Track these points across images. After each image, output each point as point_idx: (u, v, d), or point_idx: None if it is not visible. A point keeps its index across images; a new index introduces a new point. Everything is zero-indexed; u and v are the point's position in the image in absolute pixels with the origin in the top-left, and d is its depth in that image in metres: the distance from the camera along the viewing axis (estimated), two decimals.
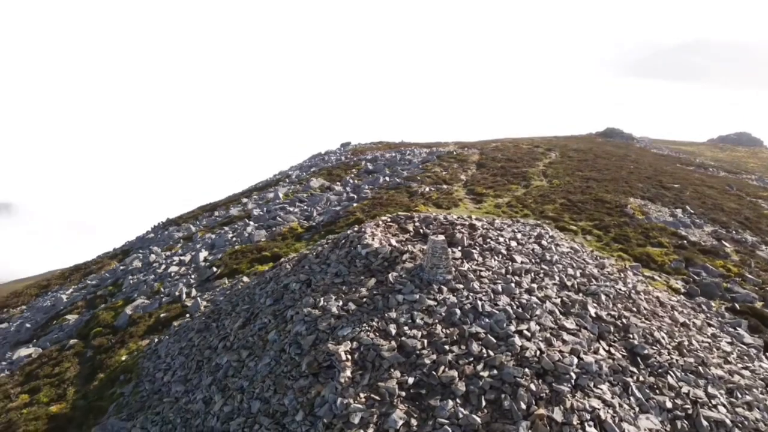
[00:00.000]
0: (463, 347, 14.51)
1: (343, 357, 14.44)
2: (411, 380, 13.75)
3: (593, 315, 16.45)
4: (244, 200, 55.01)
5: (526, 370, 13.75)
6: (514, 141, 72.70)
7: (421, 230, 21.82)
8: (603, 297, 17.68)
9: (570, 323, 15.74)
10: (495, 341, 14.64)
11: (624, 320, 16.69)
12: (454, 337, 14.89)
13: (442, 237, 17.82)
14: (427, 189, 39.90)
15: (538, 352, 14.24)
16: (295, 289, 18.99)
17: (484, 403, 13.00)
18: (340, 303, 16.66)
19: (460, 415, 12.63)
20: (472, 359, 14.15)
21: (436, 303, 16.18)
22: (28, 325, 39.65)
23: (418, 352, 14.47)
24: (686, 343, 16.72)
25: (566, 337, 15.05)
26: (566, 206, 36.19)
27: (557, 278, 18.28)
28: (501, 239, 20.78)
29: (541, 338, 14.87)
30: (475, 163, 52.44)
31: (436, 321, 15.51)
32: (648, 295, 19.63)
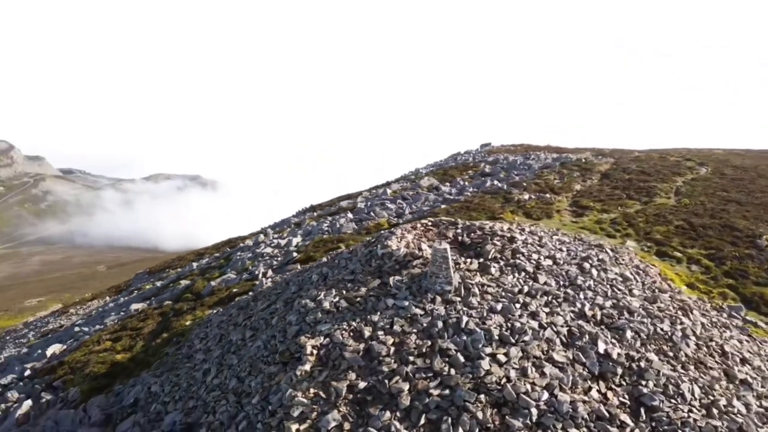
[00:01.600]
0: (427, 361, 14.06)
1: (308, 351, 14.90)
2: (362, 384, 13.74)
3: (601, 351, 14.71)
4: (365, 193, 57.34)
5: (482, 396, 12.93)
6: (663, 152, 65.13)
7: (460, 238, 21.16)
8: (629, 334, 15.66)
9: (562, 356, 14.30)
10: (463, 361, 13.93)
11: (643, 363, 14.69)
12: (423, 350, 14.47)
13: (445, 245, 17.21)
14: (528, 197, 37.93)
15: (504, 380, 13.27)
16: (314, 280, 19.80)
17: (422, 422, 12.56)
18: (336, 299, 17.07)
19: (393, 429, 12.38)
20: (430, 375, 13.67)
21: (422, 312, 15.79)
22: (158, 284, 46.04)
23: (381, 358, 14.37)
24: (724, 403, 14.18)
25: (548, 369, 13.74)
26: (682, 229, 31.97)
27: (578, 306, 16.57)
28: (535, 256, 19.30)
29: (516, 366, 13.78)
30: (600, 173, 48.31)
31: (414, 330, 15.17)
32: (710, 341, 16.88)
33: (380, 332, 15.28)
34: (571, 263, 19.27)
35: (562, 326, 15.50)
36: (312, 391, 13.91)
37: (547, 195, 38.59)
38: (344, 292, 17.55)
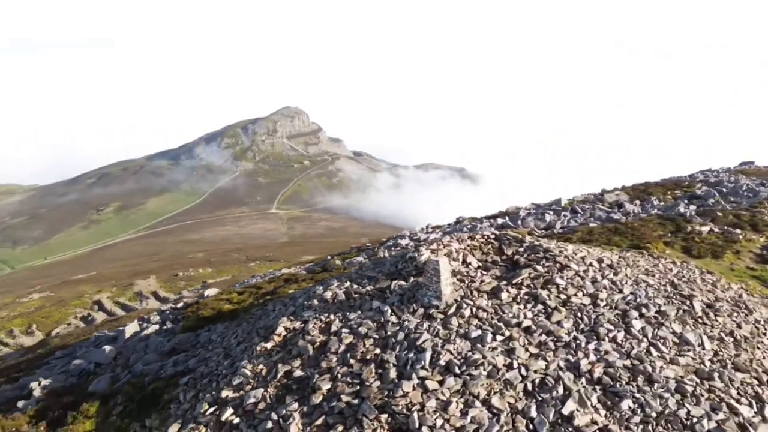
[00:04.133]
0: (359, 366, 14.17)
1: (279, 331, 16.25)
2: (298, 373, 14.61)
3: (564, 412, 12.80)
4: (546, 202, 53.95)
5: (384, 416, 12.65)
6: None
7: (516, 257, 19.65)
8: (626, 404, 13.10)
9: (506, 404, 12.86)
10: (392, 377, 13.66)
11: None
12: (368, 356, 14.54)
13: (440, 258, 16.45)
14: (708, 229, 31.47)
15: (416, 407, 12.72)
16: (352, 272, 20.76)
17: (319, 422, 12.97)
18: (338, 291, 17.90)
19: (291, 420, 13.11)
20: (355, 381, 13.80)
21: (394, 321, 15.62)
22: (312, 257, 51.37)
23: (327, 354, 14.93)
24: None
25: (475, 412, 12.55)
26: None
27: (579, 355, 14.25)
28: (571, 291, 16.79)
29: (442, 397, 12.91)
30: None
31: (375, 336, 15.23)
32: None
33: (345, 330, 15.75)
34: (615, 308, 16.42)
35: (536, 372, 13.78)
36: (260, 367, 15.30)
37: (738, 231, 31.56)
38: (353, 286, 18.25)
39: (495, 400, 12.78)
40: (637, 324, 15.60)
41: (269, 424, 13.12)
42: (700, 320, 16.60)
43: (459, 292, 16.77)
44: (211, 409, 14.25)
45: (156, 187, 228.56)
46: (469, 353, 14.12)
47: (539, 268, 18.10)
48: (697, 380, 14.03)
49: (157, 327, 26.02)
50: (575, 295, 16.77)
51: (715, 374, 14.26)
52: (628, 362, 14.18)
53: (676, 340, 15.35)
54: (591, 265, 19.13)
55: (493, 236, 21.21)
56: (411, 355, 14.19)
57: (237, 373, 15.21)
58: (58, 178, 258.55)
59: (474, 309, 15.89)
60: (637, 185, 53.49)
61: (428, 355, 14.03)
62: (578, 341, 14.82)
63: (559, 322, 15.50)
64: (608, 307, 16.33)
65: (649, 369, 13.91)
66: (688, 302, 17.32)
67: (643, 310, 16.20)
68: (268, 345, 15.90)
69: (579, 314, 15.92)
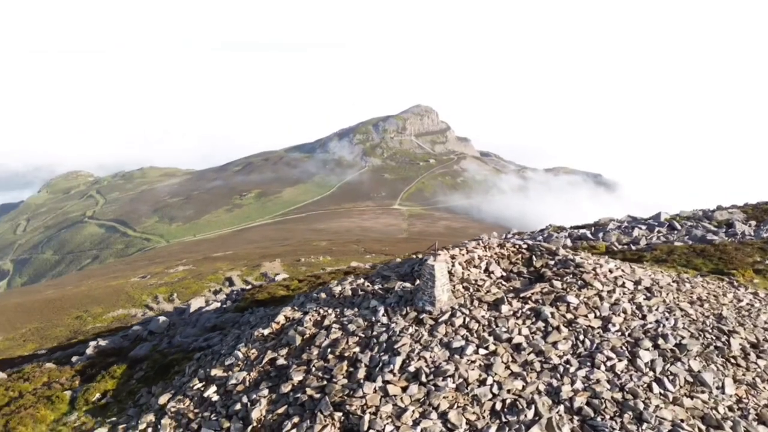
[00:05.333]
0: (335, 362, 14.25)
1: (278, 319, 16.79)
2: (281, 362, 15.06)
3: None
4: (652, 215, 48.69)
5: (338, 414, 12.68)
6: None
7: (543, 270, 18.33)
8: None
9: (465, 420, 12.22)
10: (360, 377, 13.58)
11: None
12: (346, 354, 14.57)
13: (436, 263, 15.79)
14: None
15: (371, 411, 12.55)
16: (378, 269, 20.72)
17: (281, 410, 13.34)
18: (347, 287, 18.02)
19: (259, 405, 13.61)
20: (326, 376, 13.92)
21: (384, 322, 15.45)
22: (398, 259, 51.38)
23: (311, 347, 15.18)
24: None
25: (428, 423, 12.09)
26: None
27: (564, 381, 13.07)
28: (582, 310, 15.29)
29: (400, 404, 12.57)
30: None
31: (361, 335, 15.19)
32: None
33: (336, 325, 15.87)
34: (627, 335, 14.67)
35: (509, 392, 12.90)
36: (252, 351, 15.97)
37: None
38: (364, 284, 18.27)
39: (453, 415, 12.21)
40: (647, 356, 13.92)
41: (238, 406, 13.71)
42: (732, 360, 14.38)
43: (459, 299, 16.13)
44: (199, 385, 15.18)
45: (292, 178, 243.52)
46: (443, 363, 13.59)
47: (556, 283, 16.80)
48: (702, 427, 12.27)
49: (218, 305, 28.06)
50: (585, 316, 15.35)
51: (727, 423, 12.36)
52: (619, 395, 12.77)
53: (690, 379, 13.48)
54: (623, 285, 17.32)
55: (525, 246, 20.00)
56: (385, 357, 13.99)
57: (232, 354, 16.02)
58: (210, 164, 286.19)
59: (467, 319, 15.20)
60: (762, 203, 46.44)
61: (400, 359, 13.74)
62: (569, 366, 13.61)
63: (555, 343, 14.32)
64: (619, 333, 14.74)
65: (641, 406, 12.40)
66: (724, 338, 15.05)
67: (660, 341, 14.40)
68: (266, 331, 16.52)
69: (581, 337, 14.58)
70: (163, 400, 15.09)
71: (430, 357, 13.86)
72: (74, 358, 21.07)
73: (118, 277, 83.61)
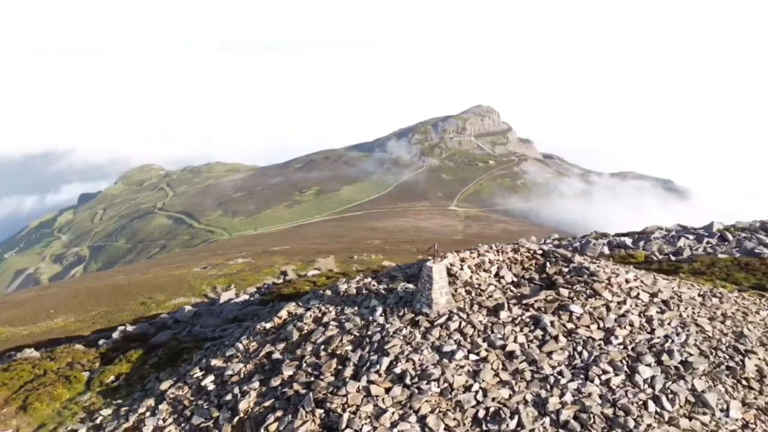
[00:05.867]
0: (326, 359, 14.34)
1: (281, 314, 17.14)
2: (276, 356, 15.34)
3: None
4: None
5: (319, 411, 12.79)
6: None
7: (555, 277, 17.67)
8: None
9: (443, 425, 12.04)
10: (346, 375, 13.62)
11: None
12: (338, 351, 14.68)
13: (435, 265, 15.49)
14: None
15: (351, 410, 12.57)
16: (383, 272, 20.66)
17: (267, 403, 13.59)
18: (350, 287, 18.11)
19: (248, 397, 13.92)
20: (315, 372, 14.04)
21: (380, 322, 15.40)
22: None
23: (306, 344, 15.35)
24: None
25: (405, 427, 12.01)
26: None
27: (553, 392, 12.58)
28: (584, 320, 14.60)
29: (380, 405, 12.52)
30: None
31: (356, 334, 15.23)
32: None
33: (334, 323, 15.95)
34: (629, 349, 13.89)
35: (494, 400, 12.57)
36: (252, 344, 16.31)
37: None
38: (371, 283, 18.24)
39: (431, 419, 12.04)
40: (647, 372, 13.20)
41: (229, 397, 14.07)
42: (744, 382, 13.39)
43: (459, 303, 15.84)
44: (199, 374, 15.66)
45: (350, 176, 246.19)
46: (430, 366, 13.41)
47: (563, 291, 16.18)
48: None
49: (246, 297, 28.81)
50: (587, 326, 14.71)
51: None
52: (610, 411, 12.20)
53: (691, 399, 12.67)
54: (637, 297, 16.46)
55: (540, 252, 19.36)
56: (374, 357, 13.95)
57: (233, 345, 16.42)
58: (273, 161, 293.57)
59: (463, 323, 14.91)
60: None
61: (387, 360, 13.67)
62: (561, 377, 13.11)
63: (550, 353, 13.82)
64: (621, 346, 14.04)
65: (631, 424, 11.80)
66: (739, 358, 14.02)
67: (664, 357, 13.61)
68: (268, 325, 16.83)
69: (579, 348, 13.99)
70: (165, 386, 15.68)
71: (419, 360, 13.70)
72: (101, 341, 22.25)
73: (181, 266, 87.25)
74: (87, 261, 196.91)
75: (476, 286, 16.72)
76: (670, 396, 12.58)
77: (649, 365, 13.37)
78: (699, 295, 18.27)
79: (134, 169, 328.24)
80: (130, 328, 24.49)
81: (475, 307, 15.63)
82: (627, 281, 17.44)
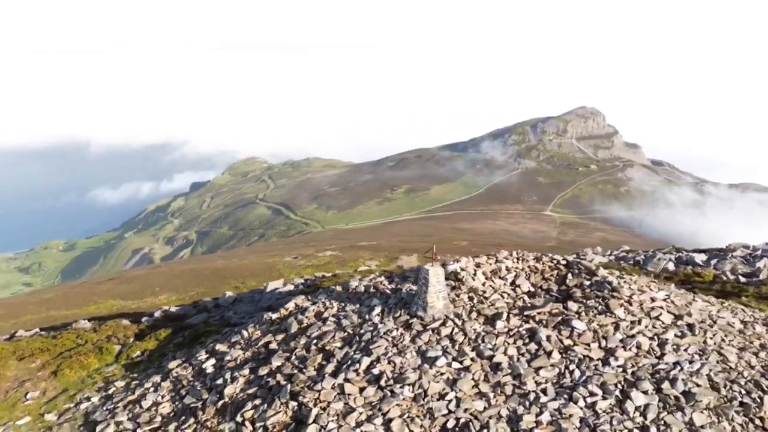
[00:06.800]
0: (314, 353, 14.51)
1: (288, 306, 17.60)
2: (273, 346, 15.75)
3: None
4: None
5: (293, 403, 13.00)
6: None
7: (573, 290, 16.54)
8: None
9: (407, 429, 11.82)
10: (327, 371, 13.70)
11: None
12: (327, 347, 14.79)
13: (431, 268, 15.01)
14: None
15: (321, 406, 12.67)
16: (399, 273, 20.40)
17: (252, 390, 14.00)
18: (359, 285, 18.19)
19: (238, 383, 14.44)
20: (300, 365, 14.26)
21: (375, 322, 15.31)
22: None
23: (300, 336, 15.64)
24: None
25: (370, 428, 11.91)
26: None
27: (531, 411, 11.83)
28: (586, 337, 13.51)
29: (352, 404, 12.50)
30: None
31: (350, 331, 15.27)
32: None
33: (332, 319, 16.09)
34: (629, 373, 12.68)
35: (466, 411, 12.10)
36: (256, 333, 16.84)
37: None
38: (381, 283, 18.17)
39: (396, 424, 11.88)
40: (640, 399, 12.10)
41: (220, 381, 14.67)
42: (758, 421, 11.86)
43: (458, 309, 15.38)
44: (204, 357, 16.42)
45: (440, 176, 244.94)
46: (410, 370, 13.17)
47: (572, 306, 15.21)
48: None
49: (291, 287, 29.61)
50: (587, 344, 13.72)
51: None
52: None
53: None
54: (657, 318, 15.08)
55: (564, 263, 18.23)
56: (357, 356, 13.95)
57: (239, 332, 17.05)
58: (367, 158, 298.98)
59: (456, 330, 14.50)
60: None
61: (368, 360, 13.62)
62: (543, 395, 12.38)
63: (538, 369, 13.07)
64: (620, 369, 12.96)
65: None
66: (757, 394, 12.43)
67: (665, 385, 12.39)
68: (274, 316, 17.29)
69: (572, 366, 13.10)
70: (173, 365, 16.60)
71: (400, 362, 13.50)
72: (144, 319, 23.99)
73: (275, 255, 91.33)
74: (194, 244, 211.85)
75: (481, 293, 16.12)
76: (662, 428, 11.46)
77: (645, 392, 12.23)
78: (741, 321, 16.35)
79: (241, 161, 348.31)
80: (173, 308, 26.18)
81: (474, 315, 15.08)
82: (652, 300, 16.00)
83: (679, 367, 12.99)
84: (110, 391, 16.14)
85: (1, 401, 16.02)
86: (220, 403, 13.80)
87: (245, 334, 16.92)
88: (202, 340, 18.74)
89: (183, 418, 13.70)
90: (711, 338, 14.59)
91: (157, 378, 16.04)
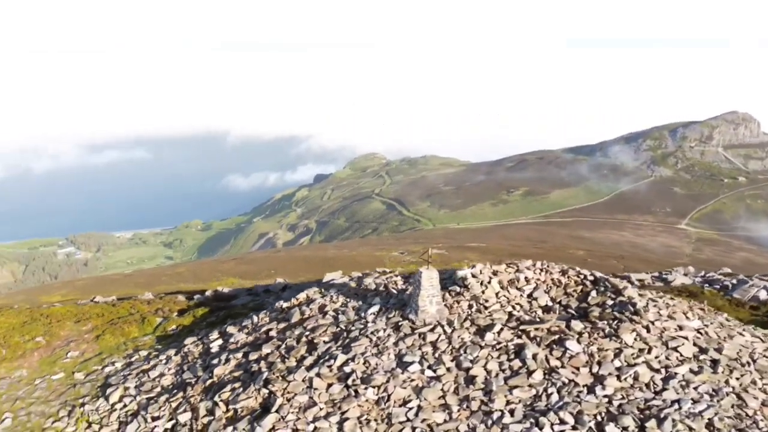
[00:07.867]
0: (302, 348, 14.77)
1: (298, 296, 18.01)
2: (273, 334, 16.22)
3: None
4: None
5: (264, 390, 13.35)
6: None
7: (592, 308, 15.04)
8: None
9: (357, 427, 11.66)
10: (306, 364, 13.88)
11: None
12: (315, 340, 15.01)
13: (425, 271, 14.38)
14: None
15: (287, 395, 12.90)
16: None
17: (237, 374, 14.57)
18: (369, 283, 18.12)
19: (228, 368, 15.12)
20: (285, 355, 14.57)
21: (368, 321, 15.20)
22: None
23: (296, 328, 16.02)
24: None
25: (325, 422, 11.96)
26: None
27: (501, 424, 11.09)
28: (573, 366, 12.18)
29: (318, 399, 12.59)
30: None
31: (342, 327, 15.34)
32: None
33: (332, 314, 16.27)
34: (615, 405, 11.23)
35: (423, 422, 11.61)
36: (265, 319, 17.47)
37: None
38: (391, 282, 17.93)
39: (349, 425, 11.81)
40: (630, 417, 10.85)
41: (216, 360, 15.42)
42: None
43: (453, 316, 14.76)
44: (215, 336, 17.32)
45: (562, 180, 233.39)
46: (380, 372, 12.95)
47: (575, 325, 13.94)
48: None
49: (346, 279, 29.96)
50: (576, 369, 12.53)
51: None
52: None
53: None
54: (676, 349, 13.38)
55: (591, 278, 16.65)
56: (337, 352, 13.93)
57: (250, 317, 17.75)
58: (486, 158, 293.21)
59: (441, 337, 13.97)
60: None
61: (343, 358, 13.62)
62: (508, 416, 11.56)
63: (513, 388, 12.21)
64: (605, 400, 11.69)
65: None
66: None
67: (650, 424, 10.98)
68: (285, 305, 17.74)
69: (551, 390, 12.07)
70: (188, 341, 17.68)
71: (375, 363, 13.30)
72: (195, 296, 25.75)
73: (384, 249, 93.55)
74: (313, 233, 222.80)
75: (482, 301, 15.28)
76: None
77: (624, 428, 10.90)
78: None
79: (361, 156, 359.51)
80: (226, 289, 27.81)
81: (467, 323, 14.39)
82: (680, 328, 14.13)
83: (676, 406, 11.40)
84: (133, 359, 17.65)
85: (48, 356, 18.21)
86: (208, 382, 14.52)
87: (255, 319, 17.61)
88: (229, 321, 19.75)
89: (175, 391, 14.62)
90: (737, 379, 12.61)
91: (171, 352, 17.24)
